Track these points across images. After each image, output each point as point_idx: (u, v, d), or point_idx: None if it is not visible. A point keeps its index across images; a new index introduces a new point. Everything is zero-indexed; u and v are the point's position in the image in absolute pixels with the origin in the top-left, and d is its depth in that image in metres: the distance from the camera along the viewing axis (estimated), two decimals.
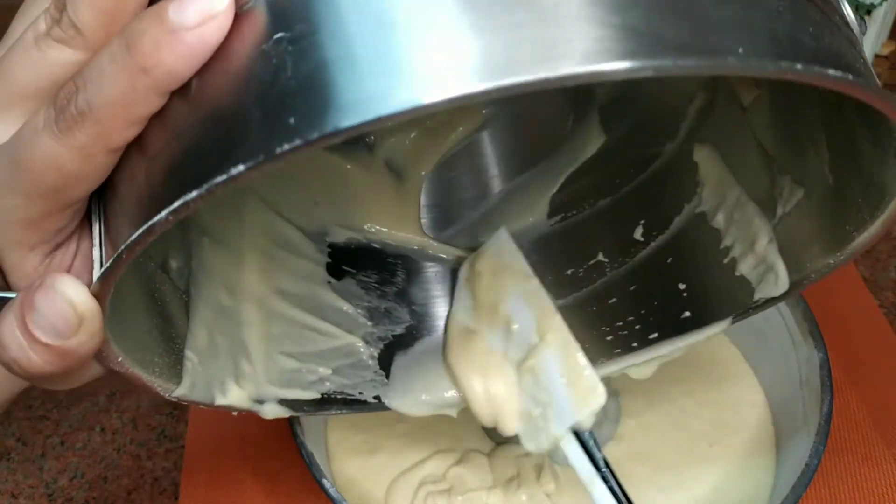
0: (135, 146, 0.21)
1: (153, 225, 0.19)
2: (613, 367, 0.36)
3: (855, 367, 0.47)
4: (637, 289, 0.36)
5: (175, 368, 0.30)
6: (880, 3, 0.54)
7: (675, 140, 0.35)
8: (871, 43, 0.66)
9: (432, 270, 0.39)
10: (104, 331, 0.23)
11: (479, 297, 0.35)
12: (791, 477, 0.36)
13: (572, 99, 0.38)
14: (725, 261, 0.33)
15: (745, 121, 0.32)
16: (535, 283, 0.34)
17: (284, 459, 0.44)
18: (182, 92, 0.20)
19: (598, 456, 0.32)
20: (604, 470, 0.32)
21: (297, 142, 0.17)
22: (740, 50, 0.18)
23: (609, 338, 0.36)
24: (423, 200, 0.39)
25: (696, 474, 0.42)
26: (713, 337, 0.46)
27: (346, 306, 0.37)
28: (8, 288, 0.24)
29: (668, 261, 0.35)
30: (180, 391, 0.30)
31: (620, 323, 0.36)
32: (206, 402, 0.31)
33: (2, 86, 0.23)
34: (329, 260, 0.37)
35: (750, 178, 0.32)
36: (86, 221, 0.24)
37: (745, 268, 0.33)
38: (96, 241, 0.23)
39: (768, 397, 0.45)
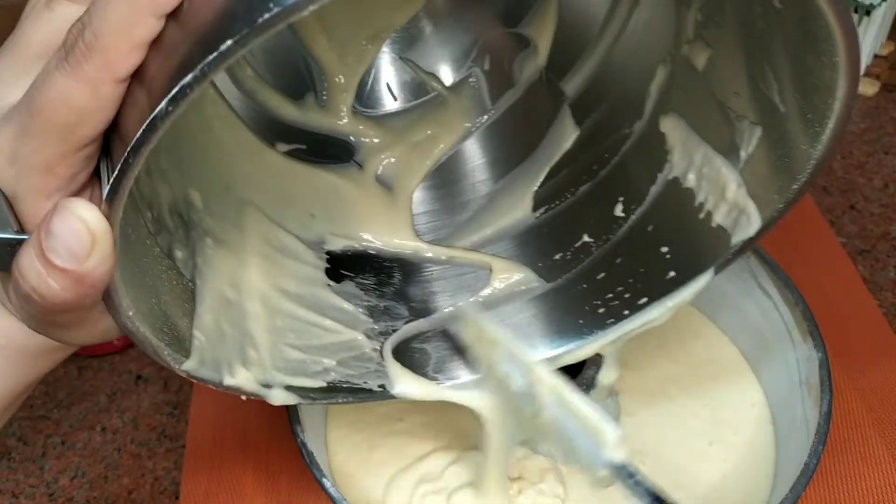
0: (136, 81, 0.23)
1: (154, 119, 0.21)
2: (609, 337, 0.37)
3: (855, 367, 0.47)
4: (623, 261, 0.38)
5: (184, 344, 0.31)
6: (880, 4, 0.55)
7: (642, 118, 0.38)
8: (871, 43, 0.66)
9: (428, 270, 0.41)
10: (114, 257, 0.24)
11: (483, 365, 0.36)
12: (790, 476, 0.36)
13: (546, 101, 0.41)
14: (701, 216, 0.35)
15: (702, 82, 0.34)
16: (504, 346, 0.34)
17: (284, 459, 0.44)
18: (175, 15, 0.22)
19: (645, 486, 0.30)
20: (661, 497, 0.30)
21: (276, 9, 0.19)
22: None
23: (601, 310, 0.37)
24: (414, 209, 0.41)
25: (695, 473, 0.42)
26: (713, 337, 0.48)
27: (346, 305, 0.38)
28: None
29: (649, 229, 0.37)
30: (189, 364, 0.31)
31: (610, 295, 0.37)
32: (215, 381, 0.32)
33: (19, 51, 0.26)
34: (328, 265, 0.39)
35: (713, 133, 0.34)
36: (97, 178, 0.26)
37: (720, 217, 0.34)
38: (105, 185, 0.25)
39: (767, 397, 0.45)
